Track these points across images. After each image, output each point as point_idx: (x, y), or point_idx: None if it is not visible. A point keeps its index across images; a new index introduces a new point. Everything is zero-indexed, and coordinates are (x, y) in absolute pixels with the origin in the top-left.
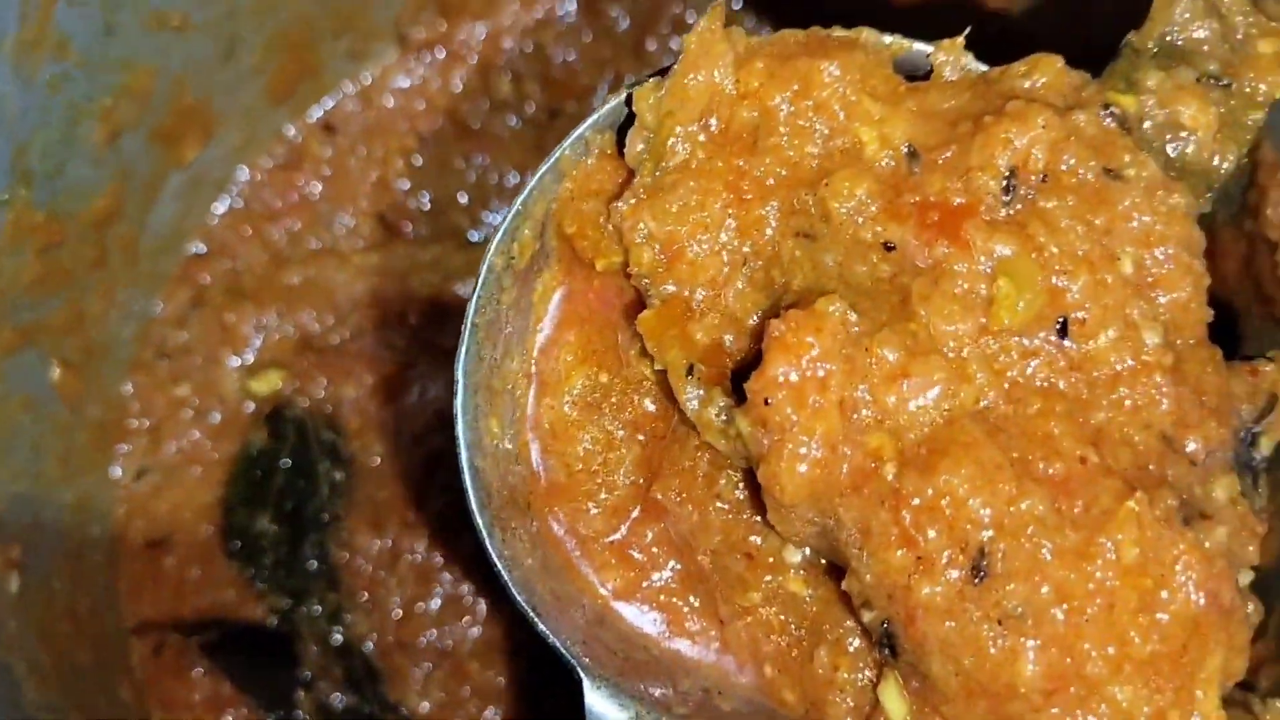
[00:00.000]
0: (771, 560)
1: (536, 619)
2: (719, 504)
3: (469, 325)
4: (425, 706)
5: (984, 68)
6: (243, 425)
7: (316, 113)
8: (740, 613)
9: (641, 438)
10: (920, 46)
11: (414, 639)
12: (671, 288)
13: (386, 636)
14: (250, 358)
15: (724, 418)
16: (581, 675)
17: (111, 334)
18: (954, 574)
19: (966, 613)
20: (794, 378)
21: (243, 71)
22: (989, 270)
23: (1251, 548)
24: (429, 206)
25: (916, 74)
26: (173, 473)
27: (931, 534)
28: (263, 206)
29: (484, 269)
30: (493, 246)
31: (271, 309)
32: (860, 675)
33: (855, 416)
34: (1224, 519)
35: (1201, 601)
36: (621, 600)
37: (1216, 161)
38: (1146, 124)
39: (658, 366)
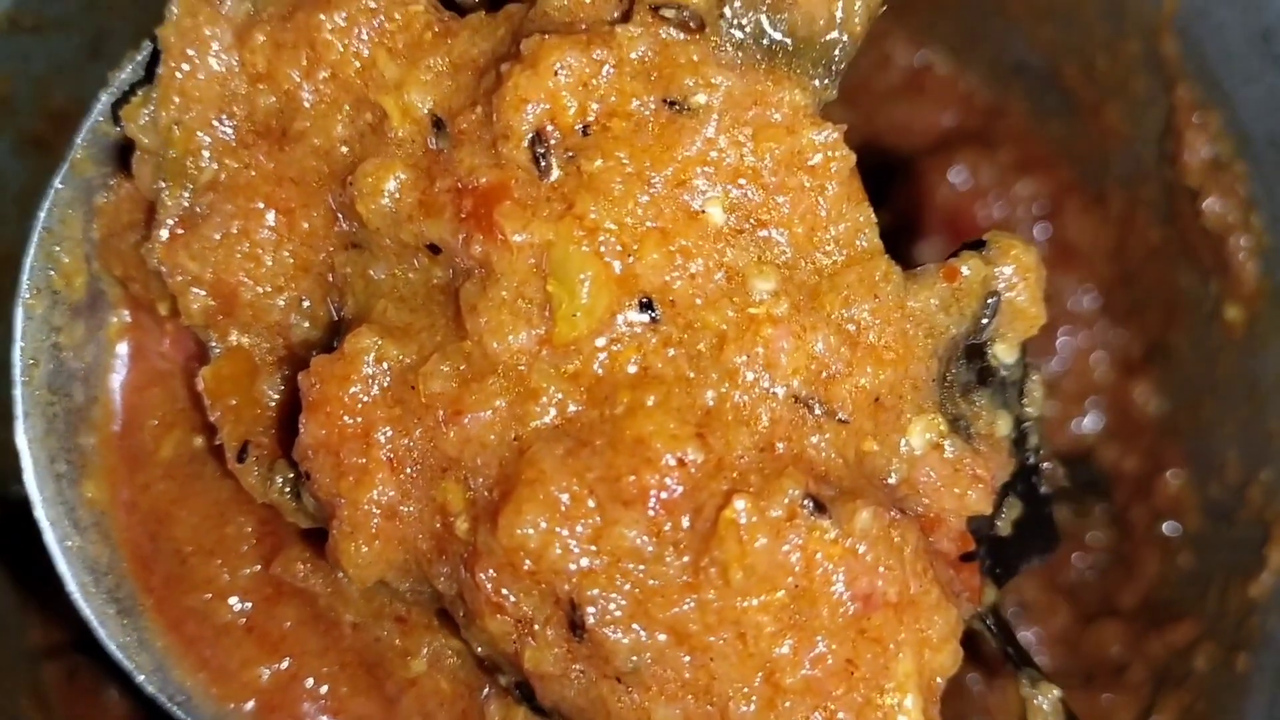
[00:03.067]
0: (425, 620)
1: (174, 708)
2: None
3: (18, 386)
4: None
5: None
6: None
7: None
8: (406, 685)
9: (254, 506)
10: None
11: None
12: (236, 338)
13: None
14: None
15: (290, 493)
16: None
17: (2, 353)
18: (552, 634)
19: (583, 675)
20: (333, 439)
21: (113, 67)
22: (537, 264)
23: (972, 494)
24: None
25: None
26: None
27: (512, 595)
28: None
29: (18, 316)
30: (22, 285)
31: None
32: None
33: (411, 471)
34: (913, 473)
35: (853, 606)
36: (269, 696)
37: (832, 27)
38: (728, 8)
39: (217, 440)
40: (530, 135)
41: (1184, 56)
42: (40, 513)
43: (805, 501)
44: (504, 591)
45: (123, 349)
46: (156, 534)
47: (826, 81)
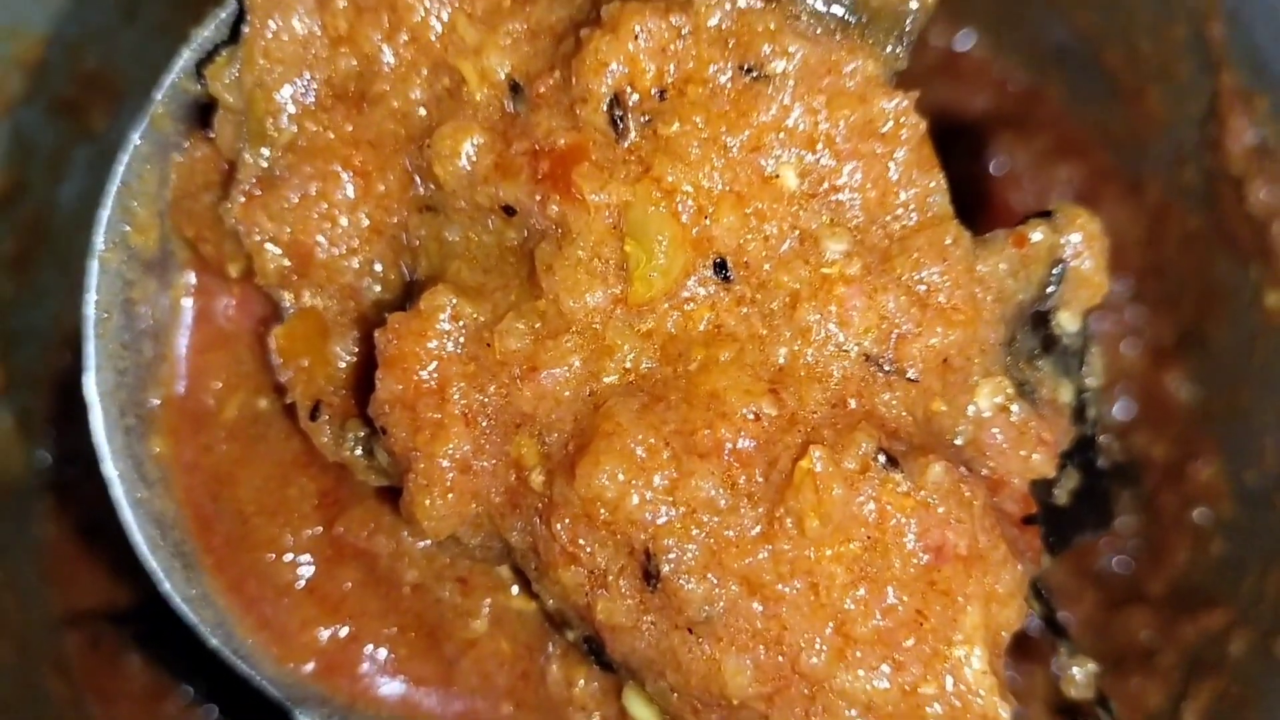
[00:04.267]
0: (487, 581)
1: (238, 661)
2: (413, 532)
3: (91, 339)
4: None
5: None
6: None
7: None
8: (465, 647)
9: (317, 468)
10: None
11: None
12: (309, 298)
13: None
14: None
15: (362, 452)
16: (298, 717)
17: (30, 317)
18: (625, 585)
19: (655, 626)
20: (409, 395)
21: (148, 31)
22: (614, 224)
23: (1037, 456)
24: None
25: None
26: None
27: (587, 545)
28: None
29: (93, 267)
30: (98, 238)
31: None
32: (595, 686)
33: (486, 424)
34: (979, 435)
35: (924, 557)
36: (329, 657)
37: None
38: None
39: (288, 399)
40: (609, 98)
41: (1231, 41)
42: (109, 465)
43: (878, 455)
44: (580, 541)
45: (188, 311)
46: (218, 494)
47: (898, 50)
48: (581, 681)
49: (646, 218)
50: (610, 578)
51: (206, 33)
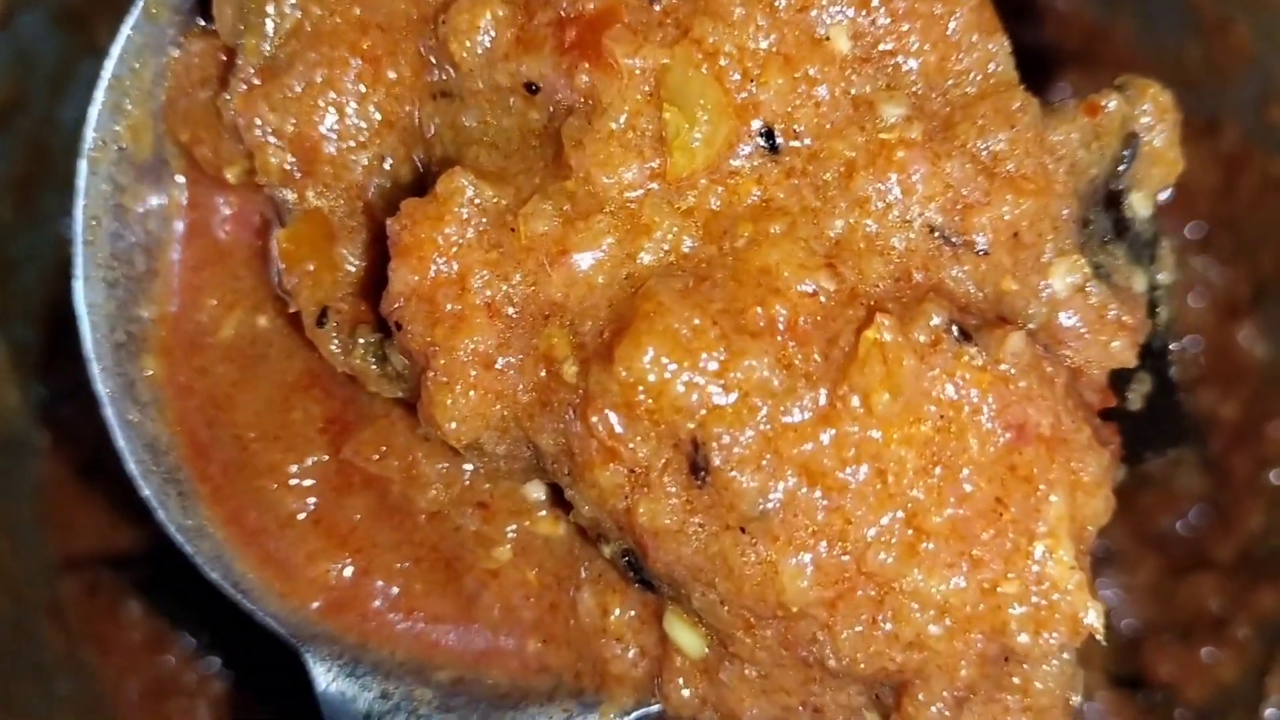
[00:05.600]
0: (510, 505)
1: (240, 596)
2: (428, 453)
3: (79, 246)
4: None
5: None
6: None
7: None
8: (487, 579)
9: (321, 390)
10: None
11: None
12: (314, 198)
13: None
14: None
15: (373, 358)
16: (306, 657)
17: (29, 243)
18: (670, 482)
19: (702, 528)
20: (426, 286)
21: None
22: (650, 92)
23: (1117, 343)
24: None
25: None
26: None
27: (630, 438)
28: None
29: (82, 167)
30: (87, 136)
31: None
32: (633, 614)
33: (511, 314)
34: (1053, 319)
35: (1004, 436)
36: (338, 593)
37: None
38: None
39: (292, 309)
40: None
41: None
42: (98, 384)
43: (950, 327)
44: (619, 434)
45: (182, 224)
46: (214, 420)
47: None
48: (617, 610)
49: (687, 81)
50: (653, 475)
51: None
